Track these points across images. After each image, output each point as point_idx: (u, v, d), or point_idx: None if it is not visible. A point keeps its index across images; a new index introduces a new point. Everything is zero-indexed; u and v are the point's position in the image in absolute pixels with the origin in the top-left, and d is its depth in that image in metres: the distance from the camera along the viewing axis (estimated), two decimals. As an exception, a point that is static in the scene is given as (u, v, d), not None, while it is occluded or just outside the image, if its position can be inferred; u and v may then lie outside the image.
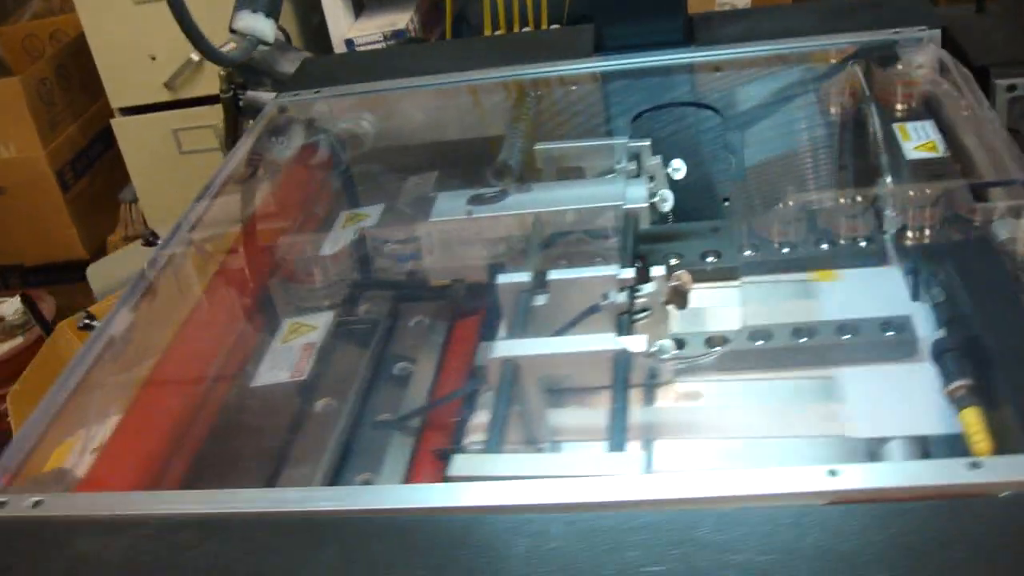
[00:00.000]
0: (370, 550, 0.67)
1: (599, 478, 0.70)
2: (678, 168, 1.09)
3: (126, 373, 0.99)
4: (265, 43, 1.38)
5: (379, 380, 1.03)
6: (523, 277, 0.93)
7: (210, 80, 2.22)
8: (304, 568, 0.66)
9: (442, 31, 2.41)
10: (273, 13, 1.38)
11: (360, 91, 1.33)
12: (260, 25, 1.35)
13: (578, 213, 1.04)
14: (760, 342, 0.83)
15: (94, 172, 2.42)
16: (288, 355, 1.06)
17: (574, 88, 1.31)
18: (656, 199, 1.05)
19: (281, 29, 2.00)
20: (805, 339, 0.84)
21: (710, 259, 0.95)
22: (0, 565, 0.71)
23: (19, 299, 2.23)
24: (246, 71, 1.88)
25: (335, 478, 0.90)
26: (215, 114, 2.25)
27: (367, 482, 0.90)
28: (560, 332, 0.91)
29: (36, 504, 0.75)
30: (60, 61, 2.33)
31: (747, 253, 0.95)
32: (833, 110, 1.26)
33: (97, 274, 1.54)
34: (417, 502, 0.71)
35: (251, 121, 1.87)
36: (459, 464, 0.75)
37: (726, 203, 1.12)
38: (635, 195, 1.03)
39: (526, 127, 1.24)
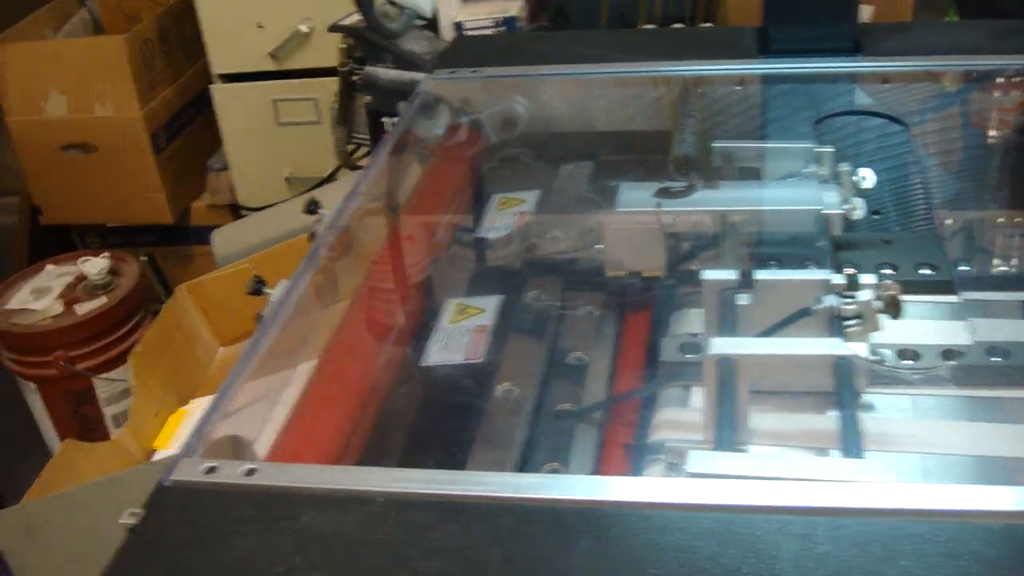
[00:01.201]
0: (627, 544, 0.64)
1: (864, 484, 0.67)
2: (865, 177, 1.06)
3: (302, 348, 0.97)
4: (423, 17, 1.36)
5: (555, 368, 1.00)
6: (729, 275, 0.90)
7: (315, 52, 2.20)
8: (558, 558, 0.64)
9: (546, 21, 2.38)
10: (432, -13, 1.35)
11: (517, 74, 1.30)
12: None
13: (775, 214, 1.01)
14: (997, 359, 0.80)
15: (184, 137, 2.39)
16: (458, 336, 1.03)
17: (739, 88, 1.28)
18: (848, 206, 1.02)
19: (397, 5, 1.98)
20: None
21: (925, 271, 0.92)
22: (219, 531, 0.68)
23: (104, 258, 2.21)
24: (368, 47, 1.85)
25: (523, 466, 0.88)
26: (317, 87, 2.23)
27: (554, 471, 0.88)
28: (767, 333, 0.88)
29: (250, 472, 0.72)
30: (162, 23, 2.31)
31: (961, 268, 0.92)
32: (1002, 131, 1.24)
33: (222, 240, 1.52)
34: (668, 497, 0.68)
35: (364, 96, 1.86)
36: (697, 461, 0.72)
37: (875, 216, 1.09)
38: (831, 200, 1.00)
39: (695, 124, 1.21)
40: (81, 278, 2.21)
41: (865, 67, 1.26)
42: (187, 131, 2.40)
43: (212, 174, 2.37)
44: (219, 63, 2.24)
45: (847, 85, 1.28)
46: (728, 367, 0.82)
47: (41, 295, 2.17)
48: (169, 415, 1.37)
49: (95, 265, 2.18)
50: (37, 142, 2.28)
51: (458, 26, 2.19)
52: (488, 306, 1.07)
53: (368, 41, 1.85)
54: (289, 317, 0.92)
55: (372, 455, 0.87)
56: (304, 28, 2.16)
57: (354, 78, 1.88)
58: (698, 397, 0.93)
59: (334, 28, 1.88)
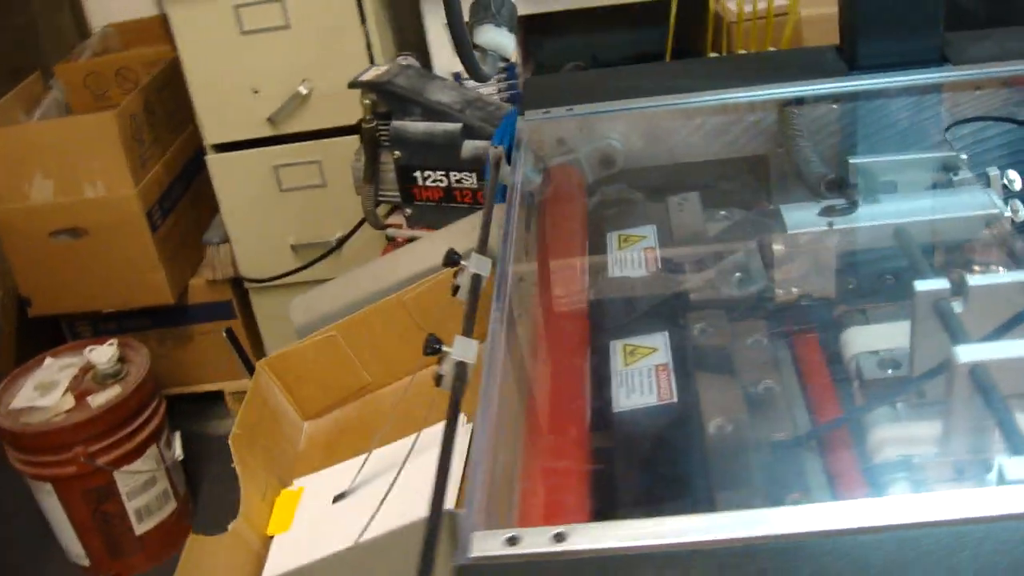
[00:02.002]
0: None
1: None
2: (1014, 179, 1.06)
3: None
4: (506, 59, 1.33)
5: (750, 400, 0.97)
6: (941, 283, 0.88)
7: (315, 114, 2.15)
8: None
9: (531, 70, 2.38)
10: (514, 28, 1.32)
11: (613, 109, 1.28)
12: (503, 40, 1.30)
13: (945, 223, 1.00)
14: None
15: (177, 213, 2.30)
16: (641, 378, 0.99)
17: (835, 106, 1.28)
18: (1010, 210, 1.02)
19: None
20: None
21: None
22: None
23: (111, 346, 2.10)
24: (394, 101, 1.81)
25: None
26: (320, 149, 2.17)
27: (796, 502, 0.85)
28: (988, 339, 0.87)
29: (559, 537, 0.67)
30: (147, 97, 2.22)
31: None
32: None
33: (300, 309, 1.45)
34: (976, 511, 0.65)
35: (395, 152, 1.81)
36: (1016, 468, 0.70)
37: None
38: (998, 204, 1.00)
39: (809, 144, 1.20)
40: (88, 368, 2.11)
41: (952, 76, 1.27)
42: (179, 206, 2.31)
43: (211, 248, 2.28)
44: (213, 133, 2.17)
45: (933, 97, 1.29)
46: (981, 375, 0.81)
47: (47, 390, 2.06)
48: (275, 498, 1.30)
49: (103, 354, 2.08)
50: (23, 230, 2.16)
51: (456, 76, 2.17)
52: (657, 344, 1.03)
53: (393, 95, 1.81)
54: (496, 376, 0.87)
55: (623, 506, 0.82)
56: (303, 90, 2.10)
57: (379, 134, 1.84)
58: (908, 412, 0.91)
59: (355, 84, 1.83)
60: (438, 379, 0.95)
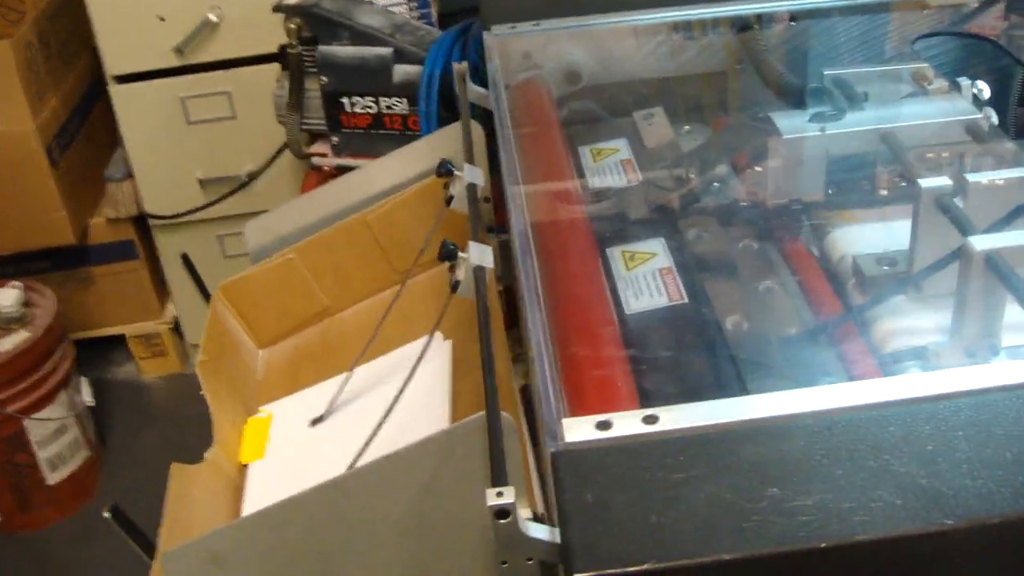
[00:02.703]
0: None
1: None
2: (982, 89, 1.11)
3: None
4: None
5: (752, 298, 1.00)
6: (944, 181, 0.92)
7: (225, 43, 2.07)
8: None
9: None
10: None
11: (580, 25, 1.28)
12: None
13: (929, 128, 1.04)
14: None
15: (75, 148, 2.19)
16: (647, 281, 1.01)
17: (793, 23, 1.31)
18: (983, 114, 1.07)
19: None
20: None
21: None
22: (670, 482, 0.63)
23: (15, 288, 1.99)
24: (321, 26, 1.76)
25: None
26: (230, 79, 2.09)
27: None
28: (993, 230, 0.91)
29: (649, 419, 0.68)
30: (40, 26, 2.09)
31: None
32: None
33: (256, 231, 1.39)
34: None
35: (322, 78, 1.76)
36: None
37: None
38: (971, 109, 1.05)
39: (774, 58, 1.23)
40: (-11, 312, 1.99)
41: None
42: (77, 142, 2.19)
43: (112, 185, 2.18)
44: (115, 63, 2.06)
45: (886, 14, 1.33)
46: (996, 261, 0.85)
47: (-54, 336, 1.94)
48: (242, 426, 1.26)
49: (7, 296, 1.97)
50: (-92, 169, 2.02)
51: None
52: (656, 249, 1.05)
53: (320, 19, 1.76)
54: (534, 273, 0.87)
55: (664, 395, 0.83)
56: (213, 17, 2.02)
57: (304, 61, 1.79)
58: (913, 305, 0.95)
59: (280, 8, 1.77)
60: (455, 285, 0.94)
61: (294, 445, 1.21)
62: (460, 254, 0.93)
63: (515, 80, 1.28)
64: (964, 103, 1.07)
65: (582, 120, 1.29)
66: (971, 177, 0.94)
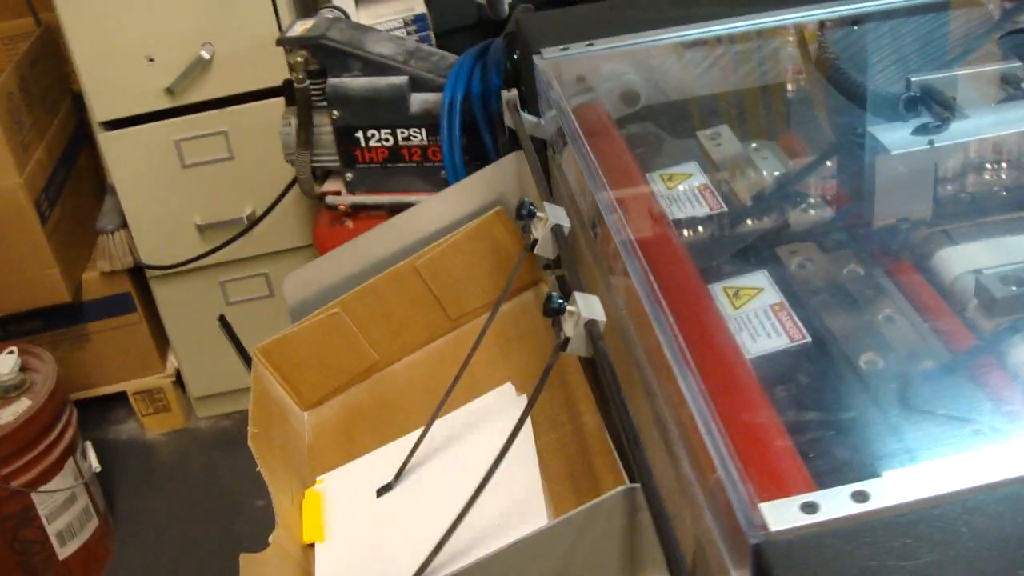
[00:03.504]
0: None
1: None
2: (1083, 86, 1.04)
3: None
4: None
5: (875, 329, 0.91)
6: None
7: (219, 81, 1.96)
8: None
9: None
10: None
11: (633, 43, 1.19)
12: None
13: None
14: None
15: (63, 201, 2.07)
16: (760, 320, 0.92)
17: (855, 28, 1.23)
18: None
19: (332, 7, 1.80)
20: None
21: None
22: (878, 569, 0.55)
23: (11, 354, 1.87)
24: (331, 57, 1.67)
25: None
26: (226, 118, 1.99)
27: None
28: None
29: (859, 496, 0.59)
30: (20, 73, 1.98)
31: None
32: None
33: (295, 286, 1.28)
34: None
35: (333, 112, 1.67)
36: None
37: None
38: (1089, 109, 0.98)
39: (846, 66, 1.16)
40: (-14, 381, 1.87)
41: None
42: (64, 194, 2.08)
43: (104, 236, 2.06)
44: (103, 109, 1.95)
45: (946, 13, 1.26)
46: None
47: (-57, 411, 1.82)
48: (301, 500, 1.16)
49: (5, 363, 1.85)
50: None
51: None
52: (761, 283, 0.96)
53: (328, 50, 1.66)
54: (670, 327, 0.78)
55: (830, 458, 0.74)
56: (205, 54, 1.91)
57: (313, 95, 1.69)
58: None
59: (284, 41, 1.67)
60: (565, 343, 0.85)
61: (361, 519, 1.11)
62: (569, 308, 0.84)
63: (571, 105, 1.19)
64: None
65: (644, 144, 1.20)
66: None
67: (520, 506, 1.00)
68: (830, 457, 0.74)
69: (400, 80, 1.65)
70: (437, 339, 1.29)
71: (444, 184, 1.69)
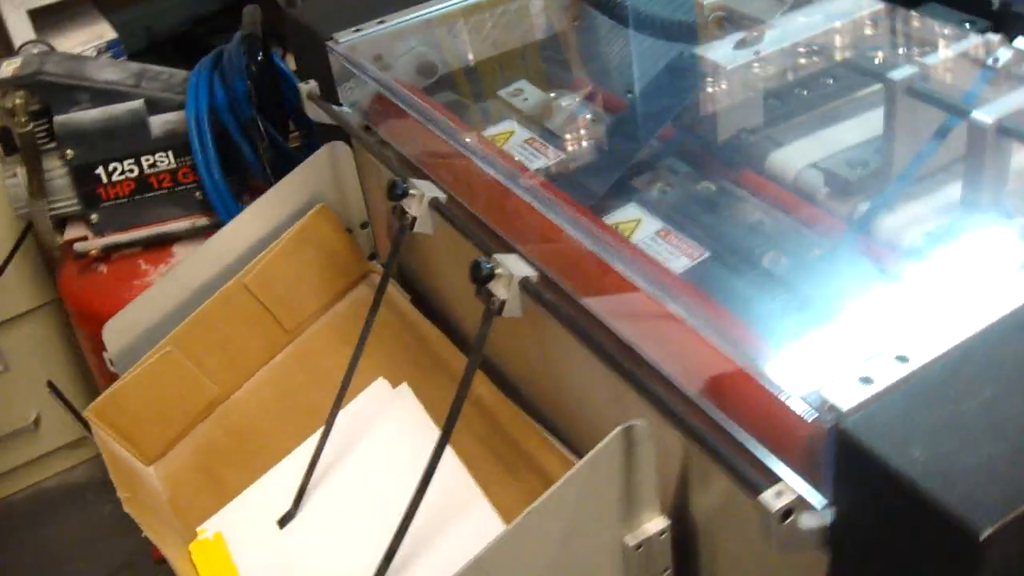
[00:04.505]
0: None
1: None
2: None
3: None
4: None
5: (757, 233, 0.97)
6: (911, 69, 0.93)
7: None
8: None
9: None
10: None
11: (423, 15, 1.18)
12: None
13: (847, 27, 1.06)
14: None
15: None
16: (654, 247, 0.95)
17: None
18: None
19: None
20: None
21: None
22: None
23: None
24: (50, 92, 1.51)
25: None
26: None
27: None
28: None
29: (901, 360, 0.62)
30: None
31: None
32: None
33: (114, 335, 1.13)
34: None
35: (67, 151, 1.51)
36: None
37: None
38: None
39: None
40: None
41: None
42: None
43: None
44: None
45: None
46: (1009, 127, 0.87)
47: None
48: (191, 555, 1.05)
49: None
50: None
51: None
52: (636, 214, 0.99)
53: (51, 87, 1.50)
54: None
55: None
56: None
57: (39, 137, 1.52)
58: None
59: (-6, 84, 1.49)
60: (500, 307, 0.83)
61: (272, 553, 1.03)
62: (498, 271, 0.82)
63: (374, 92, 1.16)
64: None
65: (457, 111, 1.19)
66: (928, 59, 0.96)
67: (451, 496, 0.96)
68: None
69: (136, 104, 1.52)
70: (276, 355, 1.22)
71: (200, 206, 1.59)
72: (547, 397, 0.97)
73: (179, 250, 1.61)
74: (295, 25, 1.22)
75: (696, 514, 0.80)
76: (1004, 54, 0.96)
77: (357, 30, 1.15)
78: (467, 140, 0.98)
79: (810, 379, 0.63)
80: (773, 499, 0.61)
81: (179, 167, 1.57)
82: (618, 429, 0.74)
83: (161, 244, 1.61)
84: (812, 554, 0.63)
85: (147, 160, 1.56)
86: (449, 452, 0.98)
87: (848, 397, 0.60)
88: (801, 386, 0.63)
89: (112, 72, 1.55)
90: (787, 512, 0.61)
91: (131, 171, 1.56)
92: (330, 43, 1.14)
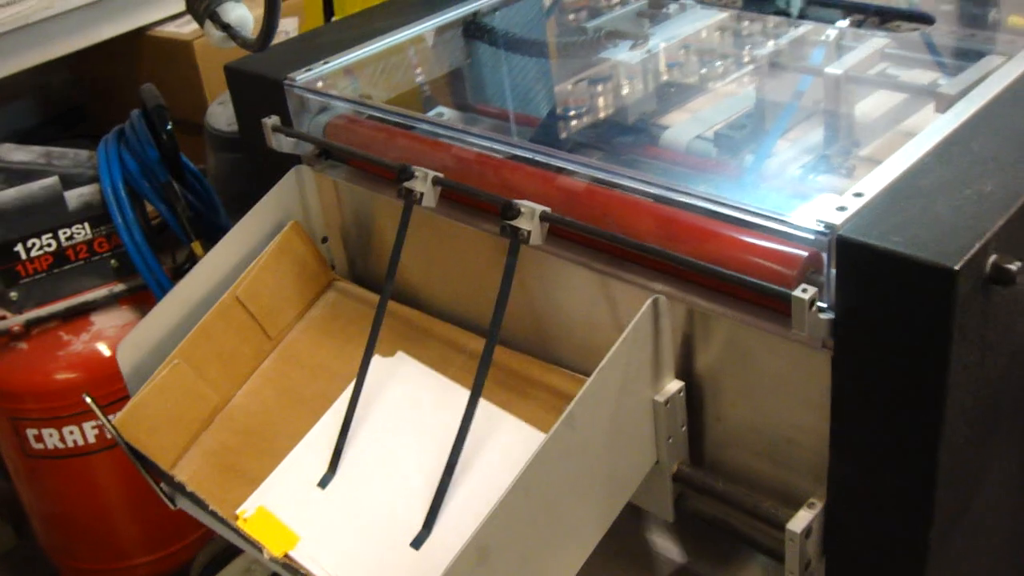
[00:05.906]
0: None
1: None
2: None
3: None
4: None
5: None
6: (773, 47, 1.26)
7: None
8: None
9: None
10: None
11: (371, 50, 1.40)
12: (245, 14, 1.29)
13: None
14: None
15: None
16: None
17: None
18: None
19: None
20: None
21: None
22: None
23: None
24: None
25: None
26: None
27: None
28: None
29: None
30: None
31: None
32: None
33: (129, 352, 1.20)
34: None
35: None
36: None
37: None
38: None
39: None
40: None
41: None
42: None
43: None
44: None
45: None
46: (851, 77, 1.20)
47: None
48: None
49: None
50: None
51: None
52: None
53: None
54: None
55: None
56: None
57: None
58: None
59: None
60: (526, 237, 1.05)
61: (320, 511, 1.16)
62: (522, 208, 1.04)
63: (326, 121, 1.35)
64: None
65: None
66: (782, 41, 1.29)
67: (478, 424, 1.14)
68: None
69: (51, 181, 1.64)
70: (263, 362, 1.36)
71: (116, 273, 1.70)
72: (535, 338, 1.18)
73: (97, 318, 1.71)
74: (245, 74, 1.39)
75: (700, 372, 1.04)
76: (831, 33, 1.30)
77: (308, 69, 1.35)
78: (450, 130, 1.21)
79: (801, 213, 0.90)
80: (802, 293, 0.86)
81: (95, 237, 1.68)
82: (649, 300, 0.98)
83: (80, 314, 1.70)
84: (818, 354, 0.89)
85: (64, 233, 1.66)
86: (462, 391, 1.17)
87: (838, 216, 0.87)
88: (800, 217, 0.89)
89: (21, 154, 1.66)
90: (812, 301, 0.86)
91: (49, 245, 1.66)
92: (286, 81, 1.33)
